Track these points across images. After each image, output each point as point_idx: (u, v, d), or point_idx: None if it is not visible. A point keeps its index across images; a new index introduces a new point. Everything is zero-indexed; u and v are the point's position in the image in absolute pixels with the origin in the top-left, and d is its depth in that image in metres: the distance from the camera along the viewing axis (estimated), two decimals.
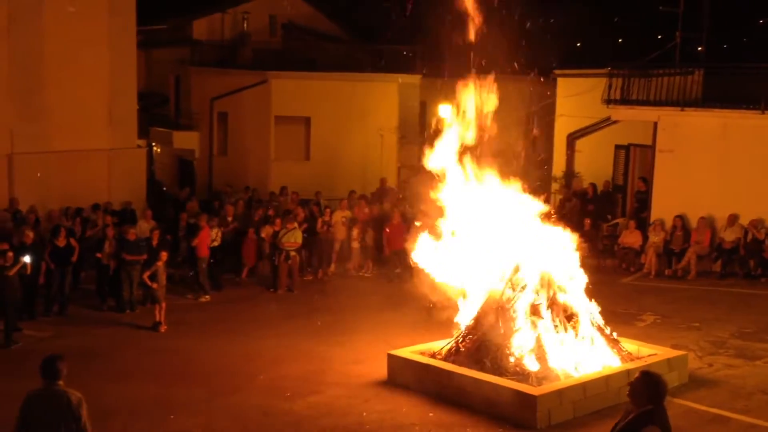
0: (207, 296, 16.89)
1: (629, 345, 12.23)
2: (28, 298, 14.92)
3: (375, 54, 25.70)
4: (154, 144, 28.63)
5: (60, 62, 19.80)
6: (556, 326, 11.46)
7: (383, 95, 25.15)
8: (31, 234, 15.09)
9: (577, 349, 11.39)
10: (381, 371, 12.05)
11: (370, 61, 25.42)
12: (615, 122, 21.68)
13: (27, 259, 14.13)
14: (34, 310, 15.20)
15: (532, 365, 11.01)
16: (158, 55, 28.47)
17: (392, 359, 11.94)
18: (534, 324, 11.40)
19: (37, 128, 19.54)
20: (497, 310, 11.60)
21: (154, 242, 15.95)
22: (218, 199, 22.28)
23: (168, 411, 10.72)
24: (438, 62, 24.39)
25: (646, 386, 6.04)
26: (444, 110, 25.70)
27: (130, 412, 10.69)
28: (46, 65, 19.61)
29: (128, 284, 15.81)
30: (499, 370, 11.01)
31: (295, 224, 17.88)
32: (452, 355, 11.64)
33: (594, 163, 22.94)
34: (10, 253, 13.80)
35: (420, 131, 25.97)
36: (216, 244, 17.47)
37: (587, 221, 19.78)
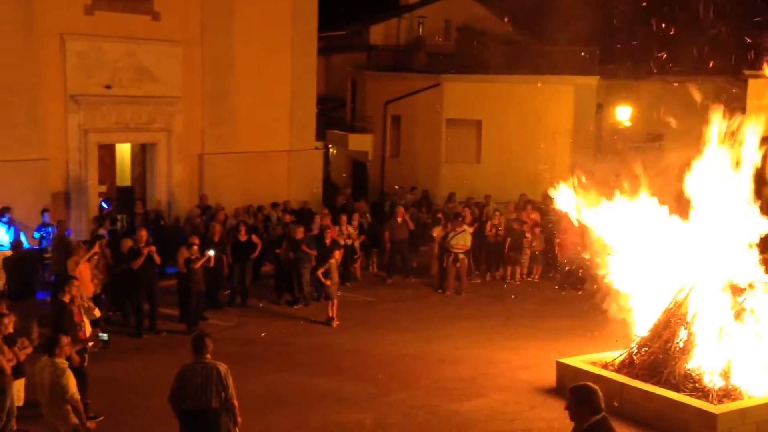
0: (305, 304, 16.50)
1: None
2: (214, 290, 15.89)
3: (550, 55, 25.22)
4: (330, 146, 29.69)
5: (247, 68, 20.99)
6: (740, 341, 10.72)
7: (558, 97, 24.64)
8: (219, 229, 16.04)
9: (764, 366, 10.61)
10: (549, 379, 11.81)
11: (544, 62, 24.99)
12: None
13: (211, 252, 15.03)
14: (219, 300, 16.16)
15: (712, 381, 10.38)
16: (336, 60, 29.46)
17: (561, 367, 11.67)
18: (716, 338, 10.73)
19: (225, 130, 20.83)
20: (676, 323, 11.03)
21: (327, 241, 16.43)
22: (387, 200, 22.71)
23: (339, 403, 11.06)
24: (617, 63, 23.60)
25: (579, 402, 5.66)
26: (622, 112, 24.98)
27: (305, 402, 11.13)
28: (235, 71, 20.84)
29: (302, 280, 16.39)
30: (677, 384, 10.47)
31: (464, 227, 17.88)
32: (626, 367, 11.21)
33: None
34: (195, 247, 14.76)
35: (596, 134, 25.22)
36: (350, 242, 17.81)
37: None
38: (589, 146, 23.77)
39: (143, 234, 14.76)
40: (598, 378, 11.06)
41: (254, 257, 16.73)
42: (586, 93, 25.02)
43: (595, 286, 12.36)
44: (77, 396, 8.32)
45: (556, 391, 11.50)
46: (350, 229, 18.19)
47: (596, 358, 11.76)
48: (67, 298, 10.81)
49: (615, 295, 11.98)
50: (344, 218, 18.33)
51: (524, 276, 19.03)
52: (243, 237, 16.46)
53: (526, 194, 21.27)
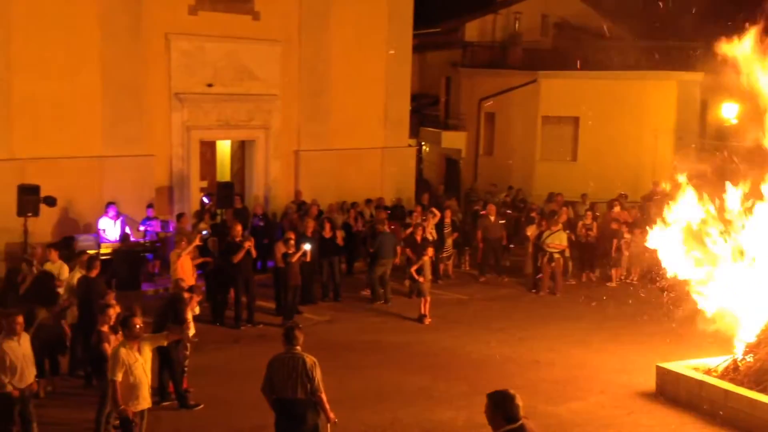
0: (382, 301, 16.43)
1: None
2: (308, 285, 16.12)
3: (652, 51, 24.49)
4: (423, 143, 29.70)
5: (343, 66, 21.23)
6: None
7: (659, 94, 23.94)
8: (312, 225, 16.30)
9: None
10: (648, 383, 11.49)
11: (646, 58, 24.28)
12: None
13: (307, 246, 15.26)
14: (313, 295, 16.39)
15: None
16: (431, 57, 29.43)
17: (661, 372, 11.33)
18: None
19: (320, 127, 21.14)
20: None
21: (418, 238, 16.43)
22: (474, 198, 22.61)
23: (431, 401, 11.05)
24: (724, 58, 22.67)
25: (495, 407, 5.67)
26: (728, 110, 24.00)
27: (398, 398, 11.16)
28: (331, 69, 21.11)
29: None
30: None
31: (560, 226, 17.56)
32: (730, 373, 10.79)
33: None
34: (292, 241, 15.01)
35: (700, 132, 24.37)
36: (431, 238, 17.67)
37: None
38: (693, 144, 22.98)
39: (239, 228, 15.11)
40: (701, 384, 10.72)
41: (338, 254, 16.86)
42: (689, 89, 24.20)
43: (692, 289, 11.92)
44: (111, 378, 8.34)
45: (655, 397, 11.18)
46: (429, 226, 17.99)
47: (698, 364, 11.38)
48: (186, 296, 11.18)
49: (714, 300, 11.54)
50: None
51: (622, 277, 18.54)
52: (327, 234, 16.63)
53: (626, 194, 20.75)
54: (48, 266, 12.62)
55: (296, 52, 20.57)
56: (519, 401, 5.68)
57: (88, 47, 17.52)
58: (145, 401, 8.55)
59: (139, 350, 8.49)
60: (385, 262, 16.43)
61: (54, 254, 12.84)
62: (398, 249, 16.95)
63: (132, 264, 14.48)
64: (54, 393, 11.18)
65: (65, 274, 12.46)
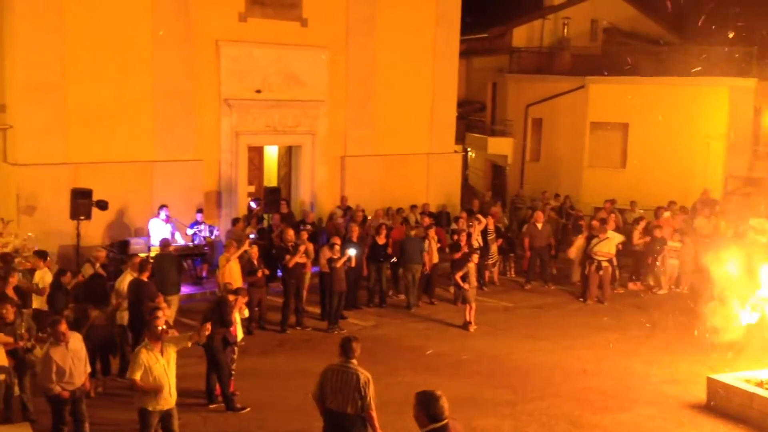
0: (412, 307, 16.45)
1: None
2: (353, 289, 16.17)
3: (703, 57, 24.06)
4: (469, 149, 29.59)
5: (389, 72, 21.29)
6: None
7: (711, 100, 23.49)
8: (357, 230, 16.35)
9: None
10: (698, 395, 11.29)
11: (697, 64, 23.87)
12: None
13: (352, 252, 15.30)
14: (358, 300, 16.44)
15: None
16: (478, 63, 29.33)
17: (712, 383, 11.11)
18: None
19: (367, 133, 21.22)
20: None
21: (462, 243, 16.36)
22: (520, 205, 22.42)
23: (476, 408, 10.98)
24: None
25: (420, 406, 5.86)
26: None
27: None
28: (378, 75, 21.18)
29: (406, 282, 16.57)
30: None
31: (608, 234, 17.32)
32: None
33: None
34: (337, 246, 15.07)
35: (753, 139, 23.83)
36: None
37: None
38: (745, 152, 22.51)
39: (291, 233, 15.21)
40: (752, 396, 10.49)
41: (386, 260, 16.85)
42: (742, 95, 23.70)
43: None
44: (130, 376, 8.52)
45: (706, 409, 10.96)
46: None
47: (750, 376, 11.13)
48: (231, 298, 11.31)
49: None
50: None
51: (672, 287, 18.21)
52: (382, 240, 16.67)
53: (675, 201, 20.42)
54: (38, 274, 12.63)
55: (343, 58, 20.68)
56: (444, 402, 5.85)
57: (140, 54, 17.86)
58: (165, 401, 8.66)
59: (162, 351, 8.60)
60: (409, 267, 16.41)
61: (40, 262, 12.88)
62: (426, 255, 16.78)
63: (170, 267, 14.32)
64: (104, 393, 11.39)
65: (47, 280, 12.45)
